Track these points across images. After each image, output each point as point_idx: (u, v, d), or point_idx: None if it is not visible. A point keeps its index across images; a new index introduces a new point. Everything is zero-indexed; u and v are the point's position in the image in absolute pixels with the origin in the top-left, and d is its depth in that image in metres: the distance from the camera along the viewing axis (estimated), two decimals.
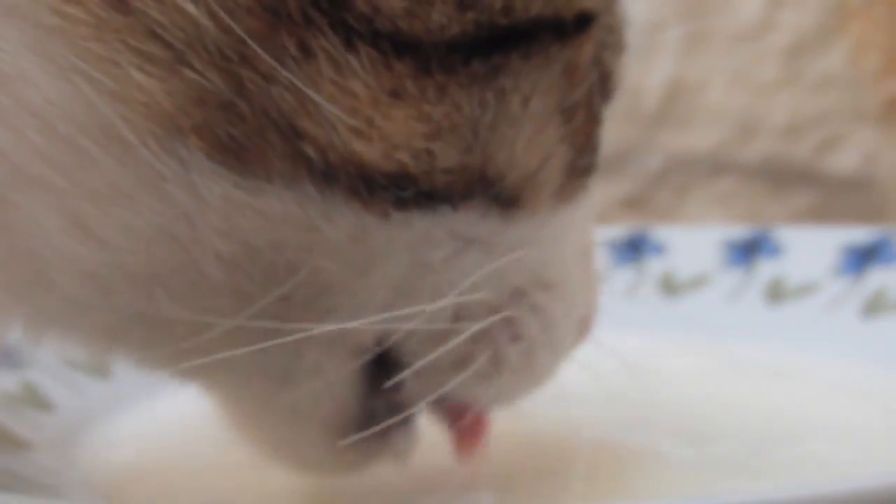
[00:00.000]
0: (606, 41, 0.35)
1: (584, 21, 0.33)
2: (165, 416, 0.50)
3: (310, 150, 0.30)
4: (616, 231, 0.62)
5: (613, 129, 0.37)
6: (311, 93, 0.29)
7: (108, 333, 0.35)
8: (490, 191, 0.33)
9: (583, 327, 0.38)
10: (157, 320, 0.33)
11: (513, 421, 0.40)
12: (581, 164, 0.35)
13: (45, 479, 0.44)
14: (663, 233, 0.62)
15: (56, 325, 0.35)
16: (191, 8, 0.29)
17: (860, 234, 0.57)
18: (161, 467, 0.47)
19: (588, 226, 0.38)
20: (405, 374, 0.35)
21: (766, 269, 0.58)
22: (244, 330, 0.32)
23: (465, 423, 0.39)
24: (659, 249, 0.61)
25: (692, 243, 0.61)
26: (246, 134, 0.30)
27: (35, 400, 0.50)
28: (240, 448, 0.42)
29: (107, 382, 0.52)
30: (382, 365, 0.35)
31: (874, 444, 0.42)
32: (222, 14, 0.29)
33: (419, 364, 0.34)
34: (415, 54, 0.30)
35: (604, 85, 0.36)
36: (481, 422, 0.39)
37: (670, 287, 0.60)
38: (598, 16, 0.33)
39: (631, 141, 0.80)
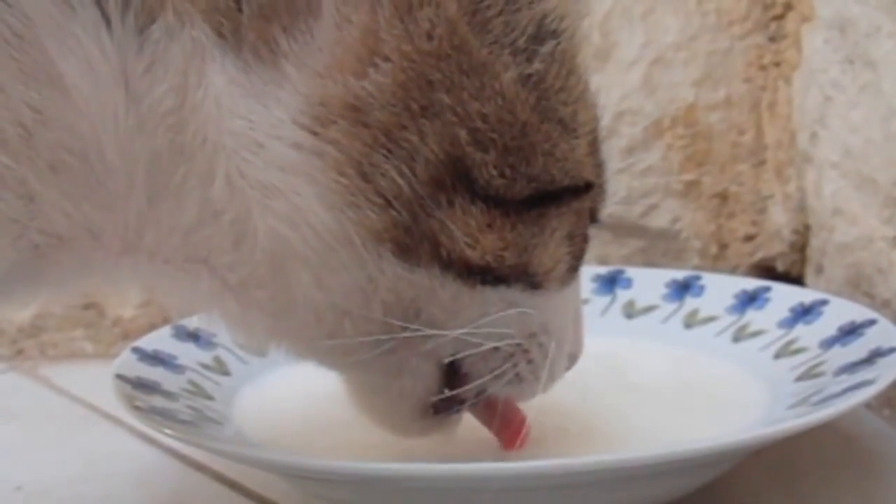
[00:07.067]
0: (598, 195, 0.50)
1: (588, 186, 0.48)
2: (297, 384, 0.60)
3: (443, 252, 0.44)
4: (600, 269, 0.74)
5: None
6: (449, 223, 0.43)
7: (314, 341, 0.47)
8: (527, 278, 0.47)
9: (571, 360, 0.51)
10: (344, 333, 0.46)
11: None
12: (575, 265, 0.49)
13: (218, 419, 0.57)
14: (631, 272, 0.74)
15: (293, 341, 0.49)
16: (400, 181, 0.43)
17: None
18: (291, 415, 0.59)
19: (579, 296, 0.51)
20: (471, 387, 0.47)
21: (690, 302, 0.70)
22: (385, 342, 0.46)
23: (514, 425, 0.51)
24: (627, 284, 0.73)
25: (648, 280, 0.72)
26: (413, 242, 0.44)
27: (221, 368, 0.64)
28: (348, 411, 0.51)
29: (263, 360, 0.63)
30: (447, 377, 0.48)
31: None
32: (415, 186, 0.43)
33: (480, 381, 0.47)
34: (502, 205, 0.44)
35: (593, 220, 0.50)
36: (523, 424, 0.51)
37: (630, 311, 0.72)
38: (594, 183, 0.49)
39: None
